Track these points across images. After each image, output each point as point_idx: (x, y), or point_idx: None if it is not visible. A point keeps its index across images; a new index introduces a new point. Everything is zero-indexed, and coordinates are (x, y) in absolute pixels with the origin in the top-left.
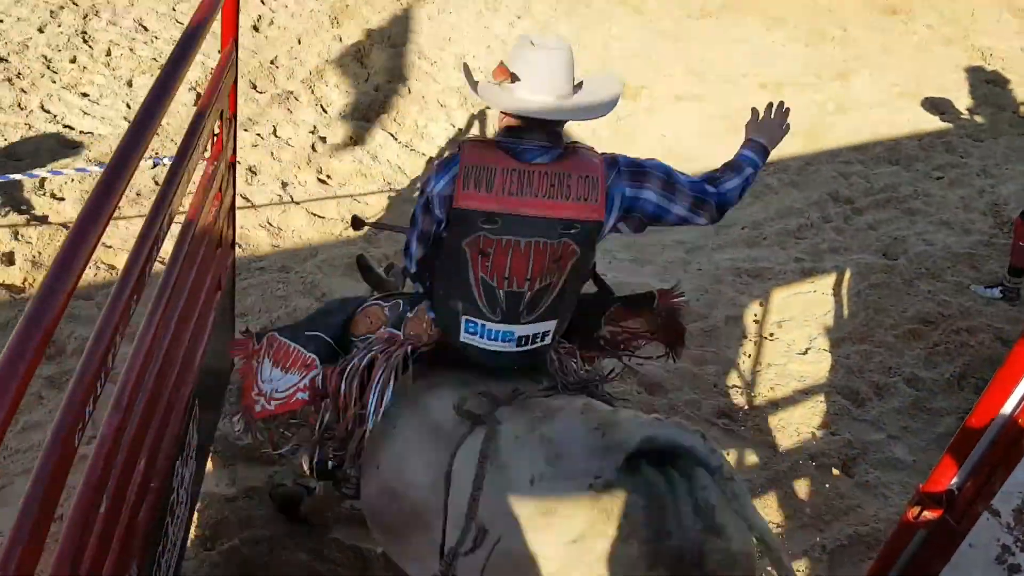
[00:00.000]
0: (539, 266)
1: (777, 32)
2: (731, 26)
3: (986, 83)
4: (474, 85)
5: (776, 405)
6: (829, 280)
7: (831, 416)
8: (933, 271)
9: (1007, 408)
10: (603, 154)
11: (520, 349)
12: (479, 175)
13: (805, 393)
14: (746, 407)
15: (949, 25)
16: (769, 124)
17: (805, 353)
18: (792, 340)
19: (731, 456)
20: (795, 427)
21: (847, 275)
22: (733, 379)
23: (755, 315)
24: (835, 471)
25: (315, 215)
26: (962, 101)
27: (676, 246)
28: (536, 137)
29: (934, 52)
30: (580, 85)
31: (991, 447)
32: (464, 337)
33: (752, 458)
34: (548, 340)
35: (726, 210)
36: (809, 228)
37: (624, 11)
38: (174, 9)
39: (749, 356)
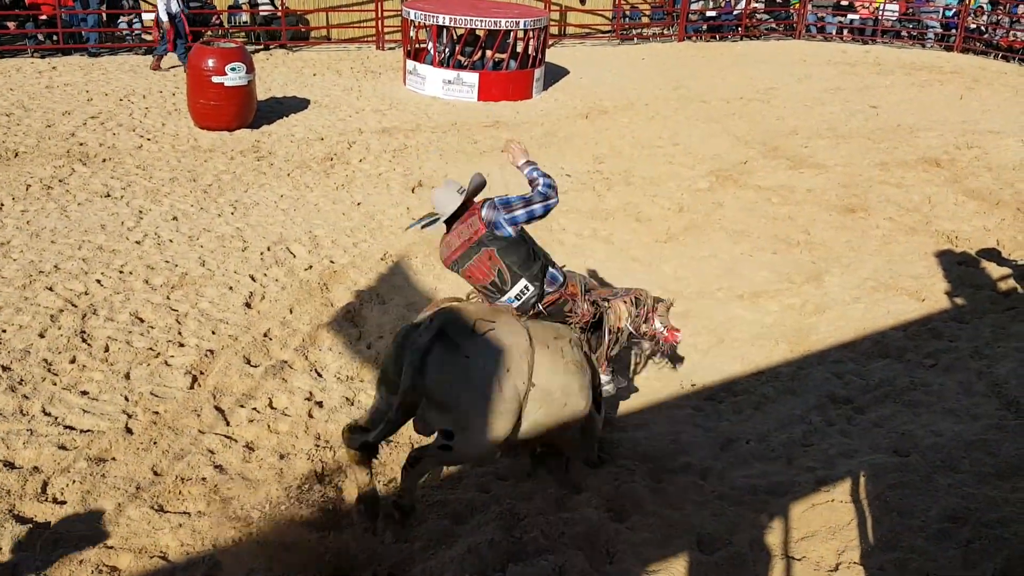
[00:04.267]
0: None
1: (743, 244)
2: (697, 245)
3: (958, 265)
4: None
5: None
6: (845, 486)
7: None
8: (949, 463)
9: None
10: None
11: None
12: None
13: None
14: None
15: (909, 215)
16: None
17: (836, 570)
18: (820, 557)
19: None
20: None
21: (862, 478)
22: None
23: (778, 534)
24: None
25: None
26: (938, 286)
27: (686, 469)
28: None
29: (900, 243)
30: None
31: None
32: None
33: None
34: (530, 294)
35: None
36: (814, 434)
37: (596, 243)
38: (168, 298)
39: None
